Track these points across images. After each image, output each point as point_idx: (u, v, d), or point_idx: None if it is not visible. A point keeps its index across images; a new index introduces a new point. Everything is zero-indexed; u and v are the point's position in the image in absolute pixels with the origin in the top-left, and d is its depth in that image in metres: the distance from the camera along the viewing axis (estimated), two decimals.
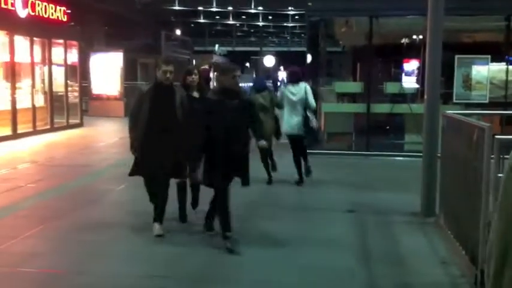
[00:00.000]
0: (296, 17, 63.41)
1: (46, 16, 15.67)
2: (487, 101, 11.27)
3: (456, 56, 11.42)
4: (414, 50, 15.95)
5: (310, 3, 13.19)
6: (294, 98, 8.43)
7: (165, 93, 5.79)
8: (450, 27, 7.96)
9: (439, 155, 6.42)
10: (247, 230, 6.18)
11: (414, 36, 15.59)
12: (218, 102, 5.45)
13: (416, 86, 14.77)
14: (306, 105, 8.45)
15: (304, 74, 9.75)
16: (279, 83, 47.74)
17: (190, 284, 4.70)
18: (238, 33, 69.35)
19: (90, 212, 7.05)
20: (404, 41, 15.94)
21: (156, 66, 5.98)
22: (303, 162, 8.77)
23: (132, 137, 5.94)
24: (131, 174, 6.04)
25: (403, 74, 15.33)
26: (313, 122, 8.61)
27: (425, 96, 6.76)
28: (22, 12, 14.33)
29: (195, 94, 6.24)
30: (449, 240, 5.46)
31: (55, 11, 16.17)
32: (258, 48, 58.23)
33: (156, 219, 5.92)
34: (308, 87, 8.67)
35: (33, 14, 14.84)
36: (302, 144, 8.70)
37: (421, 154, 6.90)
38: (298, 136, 8.53)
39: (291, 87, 8.55)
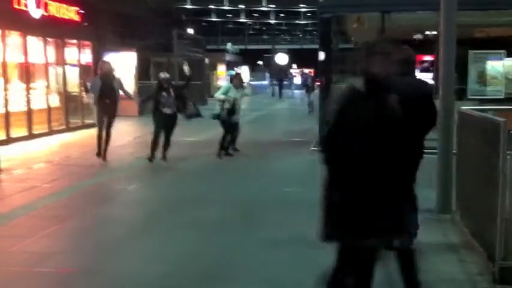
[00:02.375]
0: (308, 14, 63.21)
1: (59, 16, 15.76)
2: (502, 96, 11.16)
3: (470, 52, 11.31)
4: (427, 46, 15.83)
5: (321, 0, 13.15)
6: None
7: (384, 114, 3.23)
8: (464, 22, 7.88)
9: (454, 151, 6.37)
10: (259, 227, 6.18)
11: (427, 32, 15.48)
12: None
13: (431, 82, 14.65)
14: None
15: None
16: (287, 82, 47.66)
17: (203, 283, 4.70)
18: (251, 32, 69.31)
19: (105, 211, 7.09)
20: (417, 36, 15.83)
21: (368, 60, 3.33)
22: None
23: (335, 180, 3.23)
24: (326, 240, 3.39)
25: (418, 70, 15.20)
26: None
27: (440, 93, 6.70)
28: (35, 13, 14.42)
29: None
30: (466, 237, 5.41)
31: (68, 11, 16.26)
32: (270, 46, 58.19)
33: None
34: None
35: (46, 14, 14.93)
36: None
37: (436, 151, 6.84)
38: None
39: None
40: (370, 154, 3.14)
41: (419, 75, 15.16)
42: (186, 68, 11.47)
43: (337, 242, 3.36)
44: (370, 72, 3.27)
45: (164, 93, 10.24)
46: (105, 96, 10.30)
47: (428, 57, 17.53)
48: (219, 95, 11.19)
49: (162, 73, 10.78)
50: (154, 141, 10.28)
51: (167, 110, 10.22)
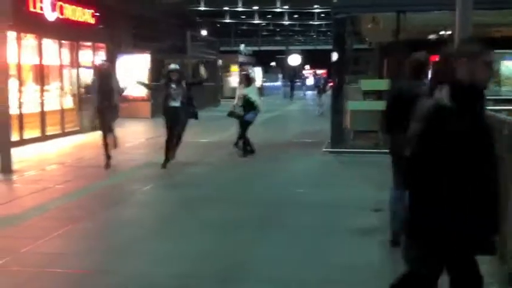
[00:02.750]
0: (322, 15, 63.06)
1: (74, 19, 15.87)
2: None
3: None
4: (443, 46, 15.63)
5: (335, 1, 13.09)
6: None
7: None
8: (479, 22, 7.80)
9: None
10: (272, 228, 6.16)
11: (442, 32, 15.36)
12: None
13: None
14: None
15: None
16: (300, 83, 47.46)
17: (217, 283, 4.68)
18: (264, 33, 69.30)
19: (117, 212, 7.11)
20: (431, 36, 15.72)
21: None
22: None
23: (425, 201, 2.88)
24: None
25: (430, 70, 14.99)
26: None
27: None
28: (51, 16, 14.52)
29: None
30: None
31: (83, 14, 16.36)
32: (283, 47, 58.14)
33: None
34: None
35: (61, 17, 15.03)
36: None
37: None
38: None
39: None
40: (468, 172, 2.81)
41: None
42: (202, 70, 11.56)
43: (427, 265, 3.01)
44: (459, 81, 2.82)
45: (173, 85, 9.87)
46: (104, 97, 9.85)
47: None
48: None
49: (172, 64, 10.46)
50: (167, 140, 9.93)
51: (173, 103, 9.84)
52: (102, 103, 9.82)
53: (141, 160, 11.06)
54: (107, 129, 9.99)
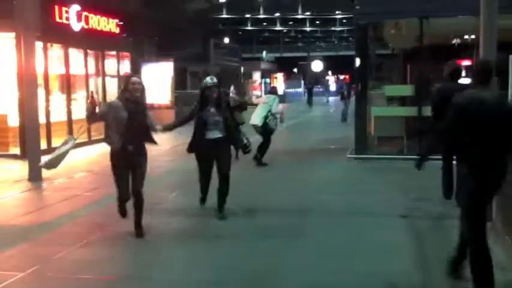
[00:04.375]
0: (344, 21, 62.97)
1: (99, 29, 16.12)
2: None
3: (511, 56, 11.07)
4: (466, 51, 15.56)
5: (358, 7, 13.09)
6: None
7: None
8: (504, 26, 7.75)
9: None
10: (298, 235, 6.19)
11: (466, 37, 15.24)
12: None
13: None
14: None
15: None
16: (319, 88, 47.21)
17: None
18: (286, 39, 69.41)
19: (145, 218, 7.17)
20: (455, 41, 15.61)
21: None
22: None
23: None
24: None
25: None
26: None
27: None
28: (76, 26, 14.78)
29: None
30: (507, 245, 5.30)
31: (108, 23, 16.61)
32: (305, 54, 58.15)
33: None
34: None
35: (87, 27, 15.29)
36: None
37: None
38: None
39: None
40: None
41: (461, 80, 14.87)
42: (233, 97, 10.88)
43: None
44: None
45: (212, 109, 6.84)
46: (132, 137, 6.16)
47: (466, 62, 17.25)
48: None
49: (208, 77, 7.04)
50: (202, 180, 7.34)
51: (211, 133, 6.86)
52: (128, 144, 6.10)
53: (167, 167, 11.18)
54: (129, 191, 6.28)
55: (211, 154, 6.91)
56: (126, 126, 6.01)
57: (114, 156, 6.19)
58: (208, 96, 6.85)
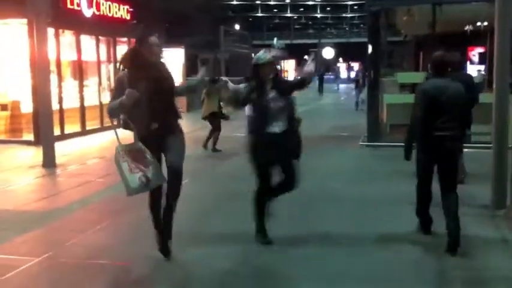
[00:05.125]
0: (355, 7, 62.55)
1: (110, 15, 16.12)
2: None
3: None
4: (479, 38, 15.41)
5: None
6: None
7: None
8: None
9: (510, 145, 6.22)
10: (309, 225, 6.19)
11: (478, 24, 15.10)
12: None
13: (482, 74, 14.28)
14: None
15: None
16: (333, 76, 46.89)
17: (255, 280, 4.74)
18: (296, 26, 69.06)
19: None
20: (468, 28, 15.47)
21: None
22: None
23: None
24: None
25: (468, 63, 14.84)
26: None
27: (494, 86, 6.55)
28: (88, 12, 14.79)
29: None
30: None
31: (119, 9, 16.60)
32: (316, 41, 57.84)
33: None
34: None
35: (98, 13, 15.29)
36: None
37: (489, 145, 6.70)
38: None
39: None
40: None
41: (470, 67, 14.73)
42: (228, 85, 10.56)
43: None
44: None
45: (272, 94, 5.22)
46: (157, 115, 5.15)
47: (479, 49, 17.11)
48: None
49: (261, 52, 5.39)
50: (262, 188, 5.41)
51: (273, 126, 5.20)
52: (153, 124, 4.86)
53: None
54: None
55: (273, 153, 5.22)
56: (148, 101, 4.64)
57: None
58: (262, 74, 5.22)
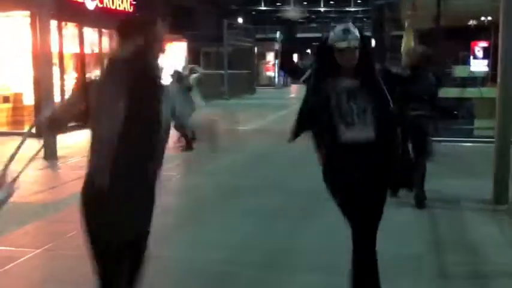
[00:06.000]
0: (358, 1, 62.34)
1: (113, 8, 16.08)
2: None
3: None
4: (483, 32, 15.34)
5: None
6: None
7: None
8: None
9: None
10: (313, 216, 6.18)
11: (482, 18, 15.03)
12: None
13: (486, 69, 14.23)
14: None
15: None
16: None
17: (256, 270, 4.73)
18: (300, 20, 68.78)
19: (157, 198, 7.21)
20: (472, 22, 15.40)
21: None
22: None
23: None
24: None
25: (472, 57, 14.80)
26: None
27: (498, 80, 6.51)
28: (90, 5, 14.75)
29: None
30: None
31: (122, 2, 16.56)
32: (319, 34, 57.65)
33: None
34: None
35: (101, 5, 15.25)
36: None
37: (492, 140, 6.67)
38: None
39: None
40: None
41: (473, 62, 14.65)
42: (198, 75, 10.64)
43: None
44: None
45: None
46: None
47: (483, 44, 17.02)
48: None
49: (340, 27, 3.49)
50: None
51: (355, 132, 3.38)
52: None
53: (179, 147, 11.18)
54: None
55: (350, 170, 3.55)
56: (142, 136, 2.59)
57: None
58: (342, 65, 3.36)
